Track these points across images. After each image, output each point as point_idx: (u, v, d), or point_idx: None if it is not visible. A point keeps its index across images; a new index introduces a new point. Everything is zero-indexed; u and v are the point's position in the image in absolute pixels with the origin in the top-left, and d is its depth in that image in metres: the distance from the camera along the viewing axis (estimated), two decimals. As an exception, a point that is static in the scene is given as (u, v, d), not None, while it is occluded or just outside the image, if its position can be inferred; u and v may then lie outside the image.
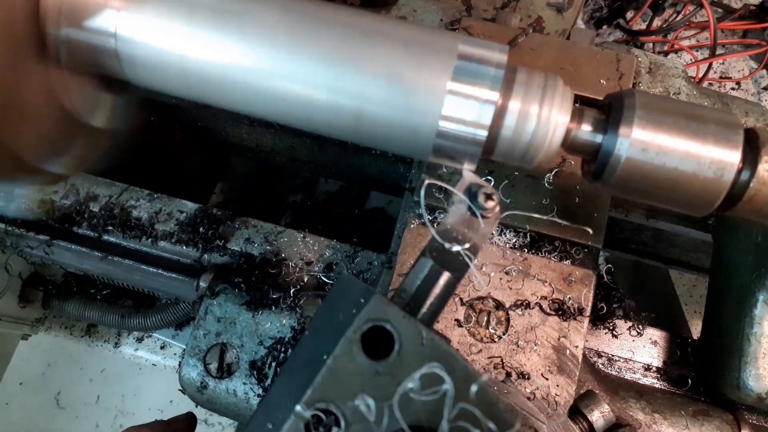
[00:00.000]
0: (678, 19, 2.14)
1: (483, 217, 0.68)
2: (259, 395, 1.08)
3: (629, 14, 2.18)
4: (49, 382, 2.07)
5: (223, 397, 1.09)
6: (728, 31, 2.22)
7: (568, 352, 1.01)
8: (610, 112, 0.80)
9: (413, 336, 0.58)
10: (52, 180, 1.14)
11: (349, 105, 0.77)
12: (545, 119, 0.75)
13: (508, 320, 1.03)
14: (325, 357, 0.57)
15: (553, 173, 1.09)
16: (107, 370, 2.08)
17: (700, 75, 2.07)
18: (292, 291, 1.14)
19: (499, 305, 1.04)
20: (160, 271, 1.24)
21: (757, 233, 1.05)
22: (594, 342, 1.15)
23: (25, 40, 0.74)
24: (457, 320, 1.02)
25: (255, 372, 1.09)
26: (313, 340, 0.61)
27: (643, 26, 2.18)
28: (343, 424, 0.55)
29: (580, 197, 1.08)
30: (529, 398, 0.97)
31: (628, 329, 1.16)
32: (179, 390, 1.12)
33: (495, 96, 0.74)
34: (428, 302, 0.65)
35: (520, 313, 1.03)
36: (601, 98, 1.09)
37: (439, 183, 0.74)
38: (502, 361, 1.00)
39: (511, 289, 1.05)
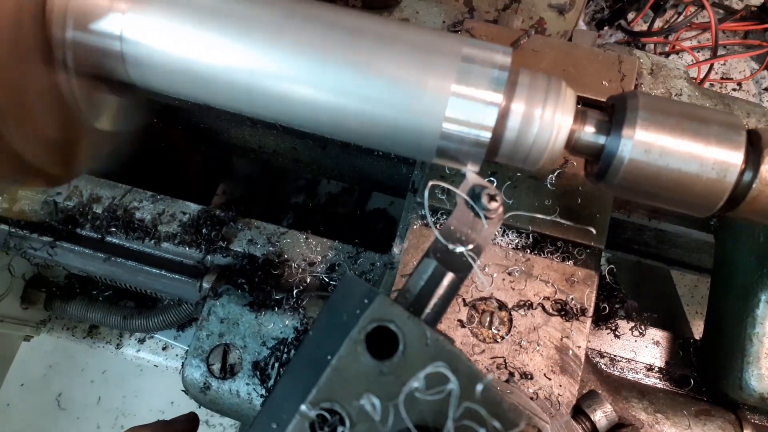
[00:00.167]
0: (679, 20, 2.14)
1: (486, 218, 0.68)
2: (262, 396, 1.08)
3: (630, 15, 2.18)
4: (50, 384, 2.07)
5: (226, 397, 1.09)
6: (729, 32, 2.22)
7: (570, 352, 1.01)
8: (613, 113, 0.80)
9: (418, 336, 0.58)
10: (56, 182, 1.14)
11: (354, 107, 0.77)
12: (548, 121, 0.76)
13: (510, 321, 1.03)
14: (329, 357, 0.57)
15: (555, 174, 1.10)
16: (108, 371, 2.08)
17: (702, 76, 2.07)
18: (294, 292, 1.14)
19: (501, 306, 1.04)
20: (163, 273, 1.24)
21: (759, 234, 1.05)
22: (596, 342, 1.15)
23: (31, 42, 0.74)
24: (460, 321, 1.03)
25: (258, 373, 1.09)
26: (317, 340, 0.61)
27: (645, 27, 2.18)
28: (348, 423, 0.55)
29: (582, 198, 1.08)
30: (532, 398, 0.97)
31: (630, 329, 1.16)
32: (182, 391, 1.13)
33: (499, 98, 0.74)
34: (432, 302, 0.65)
35: (522, 313, 1.03)
36: (603, 100, 1.09)
37: (443, 184, 0.74)
38: (505, 361, 1.01)
39: (513, 289, 1.05)
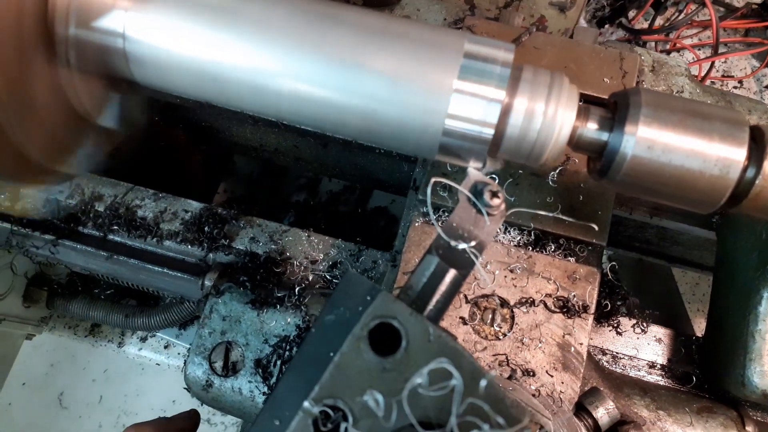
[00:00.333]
0: (680, 18, 2.14)
1: (489, 214, 0.68)
2: (264, 393, 1.08)
3: (631, 13, 2.18)
4: (52, 382, 2.07)
5: (228, 395, 1.09)
6: (730, 29, 2.22)
7: (572, 349, 1.01)
8: (615, 110, 0.80)
9: (420, 332, 0.58)
10: (59, 180, 1.14)
11: (356, 104, 0.77)
12: (551, 117, 0.76)
13: (512, 318, 1.03)
14: (332, 354, 0.57)
15: (557, 171, 1.10)
16: (110, 369, 2.08)
17: (703, 73, 2.07)
18: (296, 289, 1.14)
19: (503, 303, 1.04)
20: (165, 270, 1.24)
21: (761, 230, 1.05)
22: (598, 339, 1.15)
23: (34, 40, 0.74)
24: (462, 318, 1.03)
25: (260, 370, 1.09)
26: (319, 337, 0.61)
27: (646, 25, 2.18)
28: (351, 419, 0.55)
29: (584, 195, 1.08)
30: (534, 395, 0.97)
31: (632, 327, 1.16)
32: (184, 389, 1.13)
33: (501, 94, 0.74)
34: (434, 299, 0.65)
35: (524, 310, 1.04)
36: (604, 96, 1.09)
37: (445, 181, 0.74)
38: (507, 358, 1.01)
39: (515, 286, 1.05)
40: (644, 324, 1.16)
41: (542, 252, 1.08)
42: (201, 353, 1.10)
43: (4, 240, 1.33)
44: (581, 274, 1.06)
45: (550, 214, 1.03)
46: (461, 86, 0.74)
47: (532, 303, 1.04)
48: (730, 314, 1.09)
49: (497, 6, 1.52)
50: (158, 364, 2.07)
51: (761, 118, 1.21)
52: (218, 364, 1.09)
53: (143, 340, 2.09)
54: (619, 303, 1.15)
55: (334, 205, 2.17)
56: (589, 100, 1.10)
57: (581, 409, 0.96)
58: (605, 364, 1.14)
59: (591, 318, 1.03)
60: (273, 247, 1.21)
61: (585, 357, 1.01)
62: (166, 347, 2.08)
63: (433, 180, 0.76)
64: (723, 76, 2.21)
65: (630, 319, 1.16)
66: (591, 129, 0.80)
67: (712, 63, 2.06)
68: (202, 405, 1.16)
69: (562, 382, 0.99)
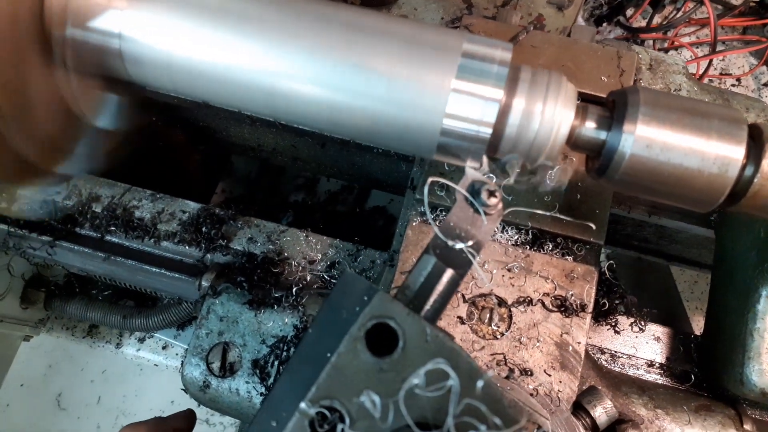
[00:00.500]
0: (678, 16, 2.13)
1: (486, 214, 0.68)
2: (261, 394, 1.08)
3: (629, 11, 2.18)
4: (50, 384, 2.06)
5: (225, 396, 1.09)
6: (728, 27, 2.22)
7: (570, 348, 1.01)
8: (614, 108, 0.80)
9: (417, 333, 0.58)
10: (55, 181, 1.14)
11: (354, 104, 0.77)
12: (549, 116, 0.75)
13: (510, 317, 1.03)
14: (329, 354, 0.57)
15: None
16: (108, 370, 2.08)
17: (701, 71, 2.07)
18: (294, 289, 1.14)
19: (501, 302, 1.04)
20: (162, 271, 1.24)
21: (760, 229, 1.05)
22: (597, 339, 1.15)
23: (30, 41, 0.74)
24: (459, 317, 1.02)
25: (257, 371, 1.09)
26: (316, 337, 0.61)
27: (643, 23, 2.18)
28: (347, 420, 0.55)
29: (581, 194, 1.08)
30: (532, 394, 0.97)
31: (630, 325, 1.16)
32: (181, 390, 1.12)
33: (499, 94, 0.74)
34: (432, 299, 0.65)
35: (522, 309, 1.03)
36: (602, 95, 1.09)
37: (443, 180, 0.74)
38: (504, 357, 1.00)
39: (513, 286, 1.05)
40: (642, 322, 1.16)
41: (540, 251, 1.07)
42: (198, 354, 1.10)
43: (1, 241, 1.33)
44: (579, 272, 1.06)
45: (548, 213, 1.03)
46: (459, 86, 0.74)
47: (530, 302, 1.04)
48: (729, 312, 1.09)
49: (495, 5, 1.52)
50: (156, 365, 2.07)
51: (759, 116, 1.21)
52: (215, 365, 1.09)
53: (141, 340, 2.09)
54: (617, 302, 1.15)
55: (333, 205, 2.17)
56: (586, 98, 1.10)
57: (579, 408, 0.96)
58: (604, 363, 1.14)
59: (589, 317, 1.03)
60: (271, 247, 1.21)
61: (583, 356, 1.01)
62: (164, 348, 2.07)
63: (430, 179, 0.76)
64: (721, 74, 2.21)
65: (628, 318, 1.16)
66: (589, 128, 0.80)
67: (710, 61, 2.05)
68: (199, 406, 1.15)
69: (560, 381, 0.99)
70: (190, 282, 1.22)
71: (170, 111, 1.53)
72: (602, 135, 0.80)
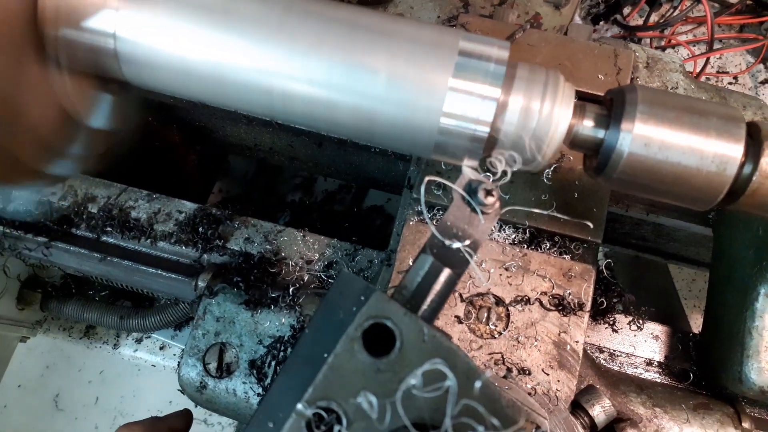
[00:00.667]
0: (675, 14, 2.13)
1: (483, 213, 0.67)
2: (258, 394, 1.07)
3: (626, 10, 2.17)
4: (47, 384, 2.06)
5: (222, 396, 1.09)
6: (725, 25, 2.22)
7: (568, 347, 1.01)
8: (611, 107, 0.80)
9: (414, 333, 0.57)
10: (51, 181, 1.14)
11: (351, 103, 0.77)
12: (547, 115, 0.75)
13: (508, 316, 1.03)
14: (325, 355, 0.57)
15: (552, 169, 1.09)
16: (106, 371, 2.07)
17: (698, 70, 2.07)
18: (291, 289, 1.13)
19: (499, 301, 1.04)
20: (159, 272, 1.23)
21: (758, 227, 1.05)
22: (595, 337, 1.15)
23: (23, 41, 0.73)
24: (457, 317, 1.02)
25: (254, 371, 1.08)
26: (313, 338, 0.61)
27: (640, 22, 2.17)
28: (344, 421, 0.55)
29: (579, 193, 1.08)
30: (530, 394, 0.97)
31: (628, 324, 1.16)
32: (178, 390, 1.12)
33: (496, 92, 0.74)
34: (429, 299, 0.64)
35: (520, 308, 1.03)
36: (599, 93, 1.09)
37: (440, 179, 0.74)
38: (502, 357, 1.00)
39: (510, 285, 1.05)
40: (640, 321, 1.16)
41: (537, 250, 1.07)
42: (195, 355, 1.09)
43: (-3, 242, 1.33)
44: (577, 271, 1.06)
45: (545, 212, 1.02)
46: (456, 84, 0.74)
47: (528, 301, 1.03)
48: (727, 311, 1.09)
49: (491, 3, 1.51)
50: (154, 366, 2.07)
51: (756, 114, 1.21)
52: (212, 366, 1.09)
53: (138, 341, 2.08)
54: (615, 300, 1.15)
55: (330, 205, 2.17)
56: (583, 97, 1.10)
57: (577, 407, 0.96)
58: (602, 361, 1.13)
59: (587, 315, 1.03)
60: (268, 247, 1.20)
61: (581, 355, 1.00)
62: (161, 348, 2.07)
63: (427, 178, 0.76)
64: (718, 72, 2.21)
65: (626, 317, 1.16)
66: (587, 126, 0.80)
67: (707, 59, 2.05)
68: (196, 406, 1.15)
69: (558, 381, 0.99)
70: (186, 282, 1.21)
71: (166, 111, 1.53)
72: (600, 133, 0.79)
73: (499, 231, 1.08)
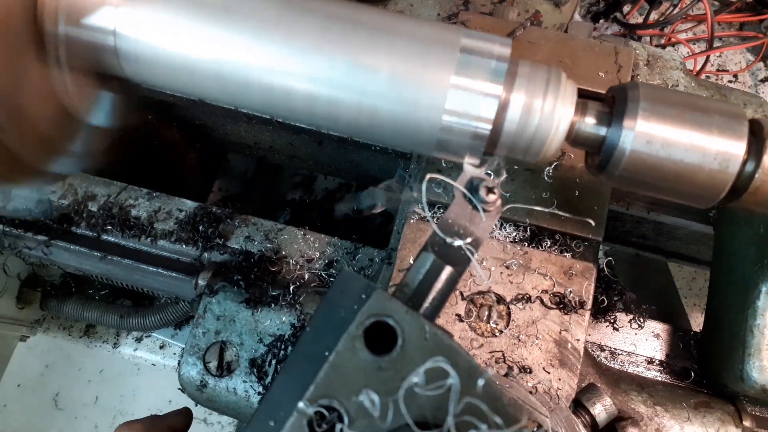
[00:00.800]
0: (675, 12, 2.13)
1: (484, 210, 0.67)
2: (259, 393, 1.07)
3: (626, 8, 2.17)
4: (47, 384, 2.06)
5: (223, 395, 1.08)
6: (725, 23, 2.22)
7: (569, 345, 1.00)
8: (613, 104, 0.80)
9: (416, 331, 0.57)
10: (51, 179, 1.13)
11: (352, 100, 0.76)
12: (549, 112, 0.75)
13: (509, 314, 1.03)
14: (326, 353, 0.57)
15: (552, 166, 1.09)
16: (106, 370, 2.07)
17: (698, 68, 2.07)
18: (291, 288, 1.13)
19: (500, 299, 1.03)
20: (159, 270, 1.23)
21: (760, 224, 1.04)
22: (596, 336, 1.15)
23: (23, 38, 0.73)
24: (458, 315, 1.02)
25: (255, 370, 1.08)
26: (314, 336, 0.60)
27: (640, 20, 2.17)
28: (346, 420, 0.55)
29: (580, 190, 1.08)
30: (531, 392, 0.97)
31: (629, 322, 1.16)
32: (179, 389, 1.12)
33: (498, 89, 0.73)
34: (430, 297, 0.64)
35: (521, 307, 1.03)
36: (600, 91, 1.09)
37: (441, 177, 0.73)
38: (503, 355, 1.00)
39: (511, 283, 1.04)
40: (641, 319, 1.16)
41: (538, 248, 1.07)
42: (195, 353, 1.09)
43: (-4, 241, 1.32)
44: (577, 269, 1.05)
45: (546, 210, 1.02)
46: (458, 82, 0.74)
47: (529, 299, 1.03)
48: (728, 309, 1.09)
49: (492, 1, 1.51)
50: (154, 365, 2.06)
51: (756, 112, 1.21)
52: (213, 364, 1.09)
53: (138, 340, 2.08)
54: (615, 298, 1.15)
55: (330, 203, 2.16)
56: (584, 94, 1.09)
57: (579, 405, 0.96)
58: (603, 360, 1.13)
59: (588, 314, 1.03)
60: (268, 245, 1.20)
61: (582, 353, 1.00)
62: (161, 347, 2.07)
63: (428, 176, 0.75)
64: (718, 70, 2.21)
65: (627, 315, 1.16)
66: (589, 124, 0.79)
67: (707, 57, 2.05)
68: (196, 405, 1.15)
69: (559, 379, 0.99)
70: (187, 281, 1.21)
71: (166, 109, 1.52)
72: (602, 131, 0.79)
73: (500, 229, 1.08)
